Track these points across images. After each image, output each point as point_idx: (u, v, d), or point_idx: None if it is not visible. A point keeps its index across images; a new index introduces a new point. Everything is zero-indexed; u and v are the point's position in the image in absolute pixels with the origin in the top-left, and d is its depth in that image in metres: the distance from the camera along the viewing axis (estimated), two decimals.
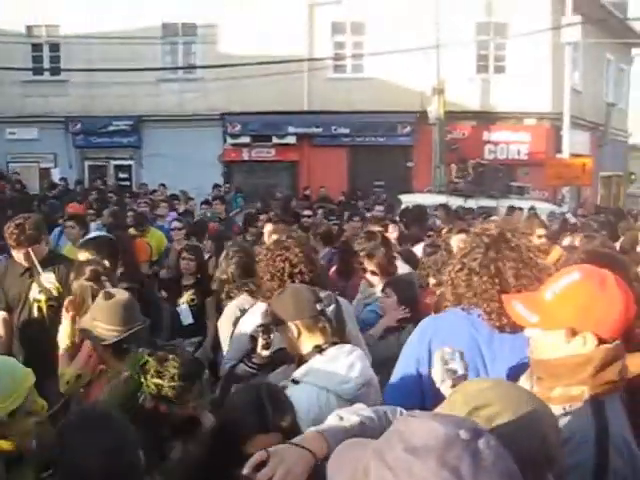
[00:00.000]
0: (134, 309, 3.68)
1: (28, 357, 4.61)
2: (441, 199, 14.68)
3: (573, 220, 13.53)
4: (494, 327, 2.62)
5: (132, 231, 9.20)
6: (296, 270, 3.71)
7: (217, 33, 21.51)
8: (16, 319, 5.02)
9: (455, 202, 14.53)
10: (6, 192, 15.58)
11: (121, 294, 3.72)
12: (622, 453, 1.96)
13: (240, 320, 4.15)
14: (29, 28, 22.77)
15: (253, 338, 3.72)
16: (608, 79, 27.13)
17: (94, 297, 3.95)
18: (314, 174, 21.35)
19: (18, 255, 4.96)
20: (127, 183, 22.38)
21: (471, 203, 15.14)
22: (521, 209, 12.79)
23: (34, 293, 4.75)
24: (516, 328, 2.37)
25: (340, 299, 3.83)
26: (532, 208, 13.56)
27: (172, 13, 21.43)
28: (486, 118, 21.85)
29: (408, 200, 15.08)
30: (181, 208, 11.99)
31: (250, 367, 3.75)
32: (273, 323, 3.34)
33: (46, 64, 22.99)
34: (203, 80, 21.72)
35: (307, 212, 12.61)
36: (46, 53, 22.91)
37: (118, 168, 23.11)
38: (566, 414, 1.99)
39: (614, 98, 27.10)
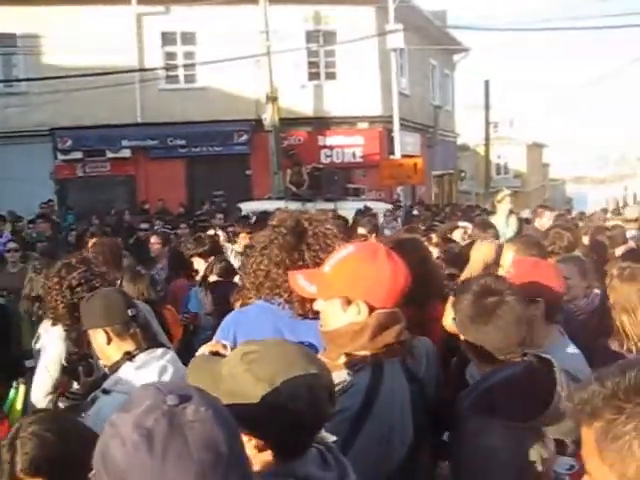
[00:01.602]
0: None
1: None
2: (280, 204, 14.84)
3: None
4: (297, 315, 2.67)
5: None
6: (77, 290, 3.70)
7: (41, 44, 20.52)
8: None
9: (294, 207, 14.73)
10: None
11: None
12: (391, 408, 2.12)
13: (40, 351, 3.98)
14: None
15: (68, 368, 3.56)
16: (434, 83, 28.59)
17: None
18: (152, 187, 20.93)
19: None
20: None
21: (309, 207, 15.40)
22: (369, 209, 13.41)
23: None
24: (319, 314, 2.44)
25: (139, 303, 3.77)
26: (367, 208, 14.02)
27: None
28: (320, 124, 22.39)
29: (247, 208, 15.16)
30: (7, 229, 11.36)
31: (72, 399, 3.59)
32: (81, 328, 3.24)
33: None
34: (28, 94, 20.57)
35: (144, 225, 12.45)
36: None
37: None
38: (350, 375, 2.10)
39: (440, 101, 28.62)
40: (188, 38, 21.69)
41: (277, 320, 2.69)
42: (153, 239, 8.19)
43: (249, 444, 1.52)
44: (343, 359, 2.15)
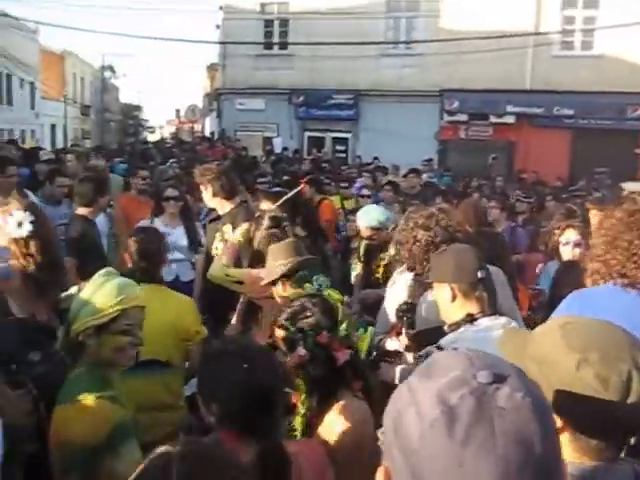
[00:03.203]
0: (299, 247, 3.81)
1: (207, 303, 4.87)
2: None
3: None
4: None
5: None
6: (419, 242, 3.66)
7: (440, 8, 21.24)
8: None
9: None
10: (228, 157, 16.52)
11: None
12: None
13: (387, 292, 4.10)
14: (262, 5, 23.95)
15: (399, 316, 3.64)
16: None
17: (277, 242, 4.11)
18: (531, 156, 20.44)
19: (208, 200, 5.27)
20: (343, 155, 22.95)
21: None
22: None
23: (216, 242, 4.96)
24: None
25: (491, 268, 3.61)
26: None
27: None
28: None
29: (631, 188, 14.03)
30: (384, 180, 12.02)
31: (399, 345, 3.69)
32: (429, 279, 3.25)
33: (275, 39, 24.13)
34: (423, 55, 21.55)
35: (518, 192, 12.21)
36: (276, 29, 24.03)
37: (335, 140, 23.77)
38: None
39: None
40: (590, 1, 20.49)
41: (632, 311, 2.38)
42: (492, 203, 7.89)
43: None
44: None
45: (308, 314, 2.73)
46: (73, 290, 2.58)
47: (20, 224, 3.63)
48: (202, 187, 5.29)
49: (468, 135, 22.11)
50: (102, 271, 2.64)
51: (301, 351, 2.62)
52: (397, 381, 3.45)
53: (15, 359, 2.79)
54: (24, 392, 1.97)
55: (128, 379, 2.84)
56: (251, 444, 2.03)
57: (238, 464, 1.48)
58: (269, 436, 2.05)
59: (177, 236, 6.34)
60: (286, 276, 3.74)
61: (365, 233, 5.48)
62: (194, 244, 6.36)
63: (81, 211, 5.72)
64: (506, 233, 7.18)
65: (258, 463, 1.98)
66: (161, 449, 1.34)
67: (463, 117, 21.81)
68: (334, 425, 2.56)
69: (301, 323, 2.70)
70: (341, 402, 2.64)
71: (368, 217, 5.57)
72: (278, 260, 3.75)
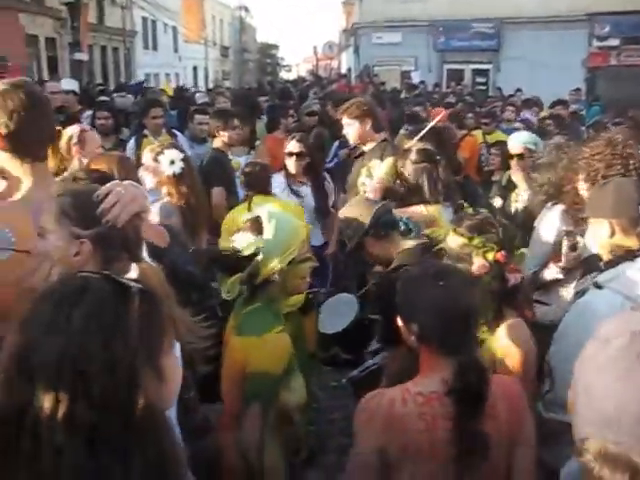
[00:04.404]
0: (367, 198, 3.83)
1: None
2: None
3: None
4: None
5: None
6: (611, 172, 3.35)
7: None
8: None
9: None
10: (368, 92, 16.34)
11: None
12: None
13: (539, 224, 3.94)
14: None
15: (560, 238, 3.52)
16: None
17: (429, 177, 4.01)
18: None
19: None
20: (484, 87, 22.21)
21: None
22: None
23: (362, 178, 4.90)
24: None
25: None
26: None
27: None
28: None
29: None
30: (527, 114, 11.53)
31: (558, 271, 3.59)
32: (587, 215, 3.10)
33: None
34: None
35: None
36: None
37: (476, 72, 23.04)
38: None
39: None
40: None
41: None
42: None
43: None
44: None
45: (493, 230, 2.78)
46: (243, 238, 2.67)
47: (172, 162, 3.79)
48: (346, 122, 5.24)
49: (620, 61, 20.82)
50: (264, 212, 2.72)
51: (485, 263, 2.69)
52: (545, 320, 3.37)
53: (203, 285, 2.99)
54: (204, 318, 2.09)
55: None
56: (449, 360, 2.09)
57: None
58: (467, 352, 2.10)
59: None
60: (372, 229, 3.40)
61: (517, 150, 5.27)
62: (323, 205, 5.64)
63: (214, 144, 6.00)
64: None
65: (457, 378, 2.03)
66: None
67: (615, 42, 20.57)
68: (512, 341, 2.65)
69: (483, 236, 2.75)
70: (513, 321, 2.71)
71: (524, 137, 5.39)
72: (355, 221, 3.56)
